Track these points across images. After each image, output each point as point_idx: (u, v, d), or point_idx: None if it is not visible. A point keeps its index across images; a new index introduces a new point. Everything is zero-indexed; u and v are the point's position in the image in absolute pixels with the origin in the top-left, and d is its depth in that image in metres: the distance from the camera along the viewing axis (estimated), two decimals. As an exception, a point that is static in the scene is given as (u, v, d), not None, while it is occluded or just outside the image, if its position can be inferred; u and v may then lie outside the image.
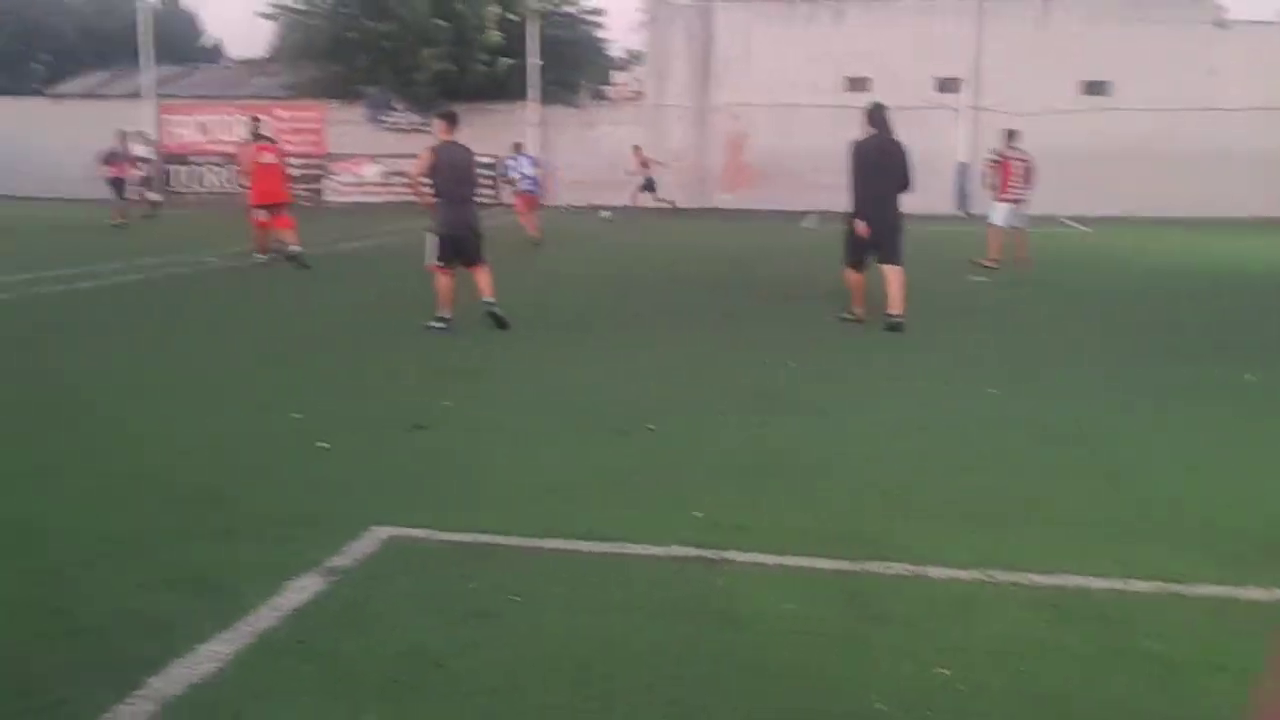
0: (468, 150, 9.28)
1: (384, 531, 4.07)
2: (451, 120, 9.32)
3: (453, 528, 4.12)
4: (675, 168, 27.68)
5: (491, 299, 9.15)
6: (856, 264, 9.58)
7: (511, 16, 29.55)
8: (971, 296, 11.82)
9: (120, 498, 4.52)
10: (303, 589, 3.52)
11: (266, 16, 32.18)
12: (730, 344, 8.68)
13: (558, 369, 7.60)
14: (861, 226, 9.26)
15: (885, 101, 9.81)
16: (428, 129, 29.17)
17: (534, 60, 29.35)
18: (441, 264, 9.05)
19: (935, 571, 3.72)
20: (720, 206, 28.92)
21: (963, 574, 3.70)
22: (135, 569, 3.72)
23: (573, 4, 32.39)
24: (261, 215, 14.23)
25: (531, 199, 18.67)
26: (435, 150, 9.08)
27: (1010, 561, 3.80)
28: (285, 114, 30.41)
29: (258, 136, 14.74)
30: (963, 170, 27.99)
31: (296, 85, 31.65)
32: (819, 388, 6.97)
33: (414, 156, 9.98)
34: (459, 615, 3.35)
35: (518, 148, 19.97)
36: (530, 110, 29.60)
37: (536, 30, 29.40)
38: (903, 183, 9.29)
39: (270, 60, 34.84)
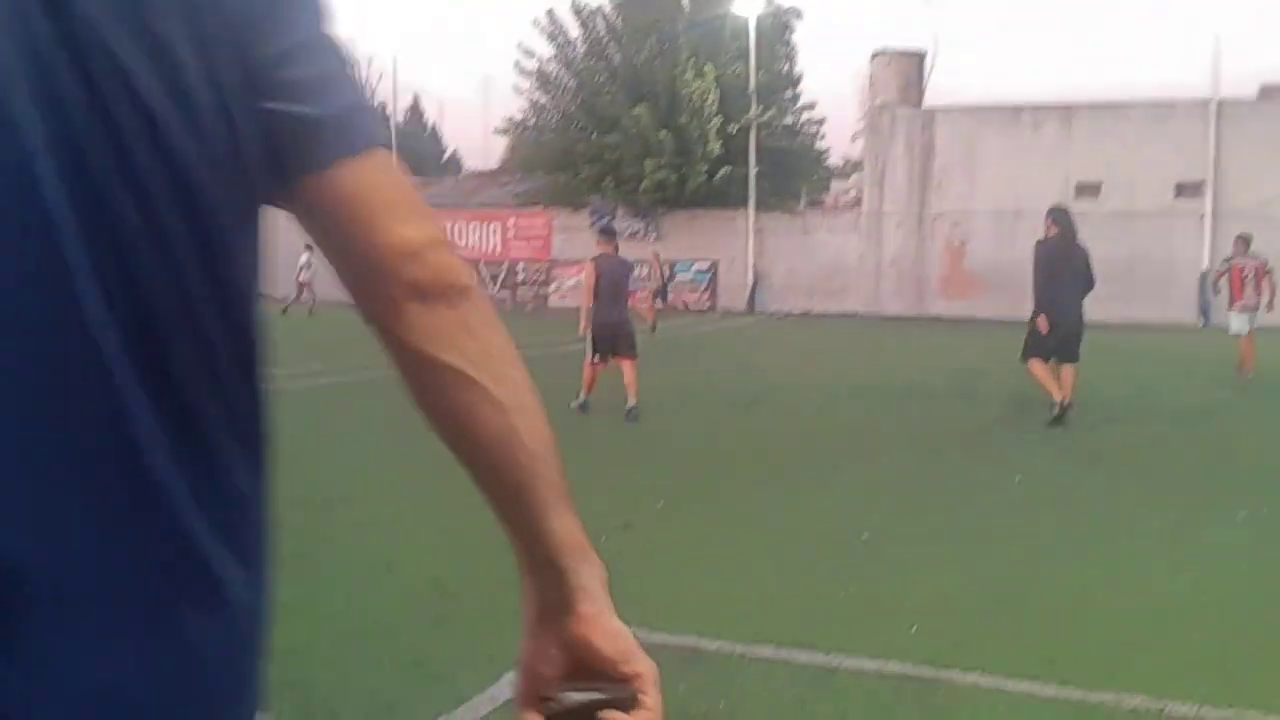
0: (625, 262, 10.59)
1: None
2: (611, 235, 10.65)
3: (662, 628, 4.13)
4: (892, 274, 27.37)
5: (634, 402, 9.89)
6: (1041, 358, 9.83)
7: (733, 127, 30.34)
8: (1212, 411, 11.02)
9: (358, 584, 4.78)
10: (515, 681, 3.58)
11: (501, 132, 34.35)
12: (948, 462, 8.42)
13: (773, 479, 7.56)
14: (1043, 322, 9.74)
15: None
16: (648, 235, 30.29)
17: (753, 169, 29.93)
18: (598, 358, 10.16)
19: (1176, 708, 3.44)
20: (938, 315, 28.35)
21: (1212, 713, 3.41)
22: (364, 651, 3.91)
23: (793, 115, 32.98)
24: None
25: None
26: (596, 262, 10.26)
27: (1262, 703, 3.47)
28: (514, 221, 32.08)
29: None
30: (1204, 278, 26.44)
31: (525, 194, 33.37)
32: (1043, 512, 6.64)
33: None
34: (665, 718, 3.32)
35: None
36: (748, 217, 30.11)
37: (756, 141, 30.03)
38: (1087, 284, 9.78)
39: (500, 172, 37.00)
